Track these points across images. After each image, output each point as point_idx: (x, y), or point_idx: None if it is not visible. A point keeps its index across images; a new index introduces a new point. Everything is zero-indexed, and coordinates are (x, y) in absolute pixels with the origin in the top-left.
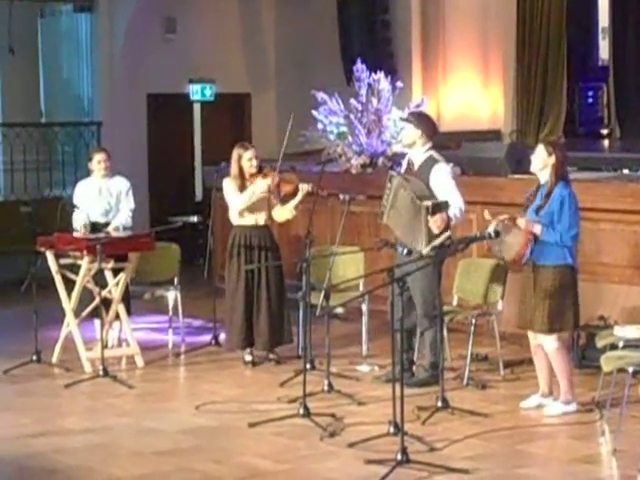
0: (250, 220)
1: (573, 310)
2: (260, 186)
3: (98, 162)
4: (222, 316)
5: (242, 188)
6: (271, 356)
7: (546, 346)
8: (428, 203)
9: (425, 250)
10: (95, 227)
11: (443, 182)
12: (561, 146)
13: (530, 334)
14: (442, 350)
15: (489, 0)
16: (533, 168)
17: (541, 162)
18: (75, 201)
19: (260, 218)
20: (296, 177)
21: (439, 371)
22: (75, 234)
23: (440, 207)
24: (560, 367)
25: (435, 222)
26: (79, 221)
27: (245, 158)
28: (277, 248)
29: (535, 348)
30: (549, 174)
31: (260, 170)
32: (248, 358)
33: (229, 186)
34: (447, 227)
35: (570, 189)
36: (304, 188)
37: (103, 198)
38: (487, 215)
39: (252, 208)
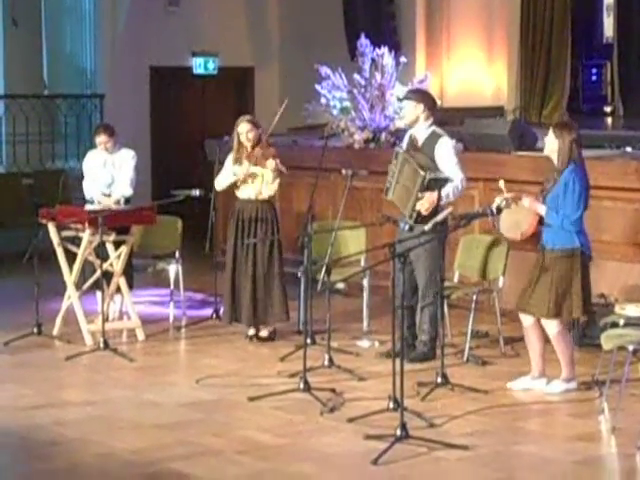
0: (242, 194)
1: (581, 296)
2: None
3: (99, 144)
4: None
5: (236, 161)
6: (261, 333)
7: (548, 330)
8: (430, 175)
9: (427, 226)
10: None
11: (446, 156)
12: (570, 127)
13: (522, 316)
14: (442, 326)
15: None
16: (546, 152)
17: (550, 146)
18: (84, 171)
19: (251, 192)
20: (274, 152)
21: (439, 346)
22: (88, 207)
23: (437, 183)
24: (561, 349)
25: (423, 205)
26: (93, 194)
27: (237, 131)
28: (272, 223)
29: (527, 330)
30: (557, 157)
31: (257, 143)
32: (250, 332)
33: (227, 161)
34: (436, 208)
35: (578, 172)
36: (270, 164)
37: (107, 170)
38: (502, 184)
39: (241, 182)
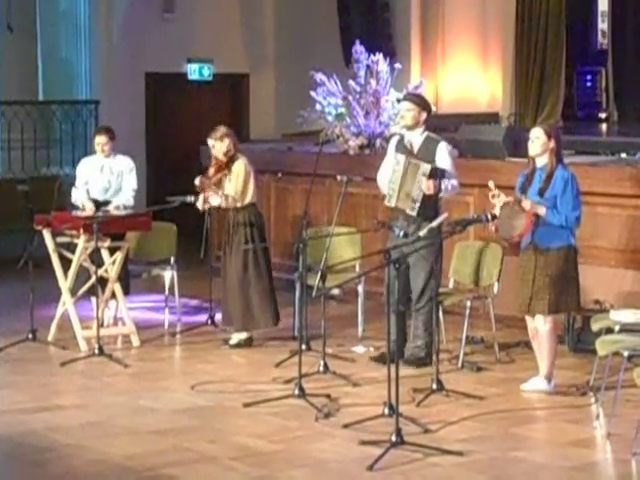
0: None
1: (576, 290)
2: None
3: (97, 144)
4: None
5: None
6: (226, 336)
7: (541, 327)
8: (428, 166)
9: (422, 232)
10: (95, 204)
11: (446, 160)
12: (556, 128)
13: (528, 318)
14: (437, 332)
15: None
16: (533, 152)
17: (541, 146)
18: (77, 177)
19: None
20: (237, 171)
21: (434, 352)
22: (74, 212)
23: (437, 172)
24: (550, 347)
25: (428, 185)
26: (79, 198)
27: None
28: (244, 229)
29: (533, 332)
30: (549, 157)
31: (227, 154)
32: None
33: None
34: (437, 195)
35: (567, 169)
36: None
37: (104, 176)
38: (491, 184)
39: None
